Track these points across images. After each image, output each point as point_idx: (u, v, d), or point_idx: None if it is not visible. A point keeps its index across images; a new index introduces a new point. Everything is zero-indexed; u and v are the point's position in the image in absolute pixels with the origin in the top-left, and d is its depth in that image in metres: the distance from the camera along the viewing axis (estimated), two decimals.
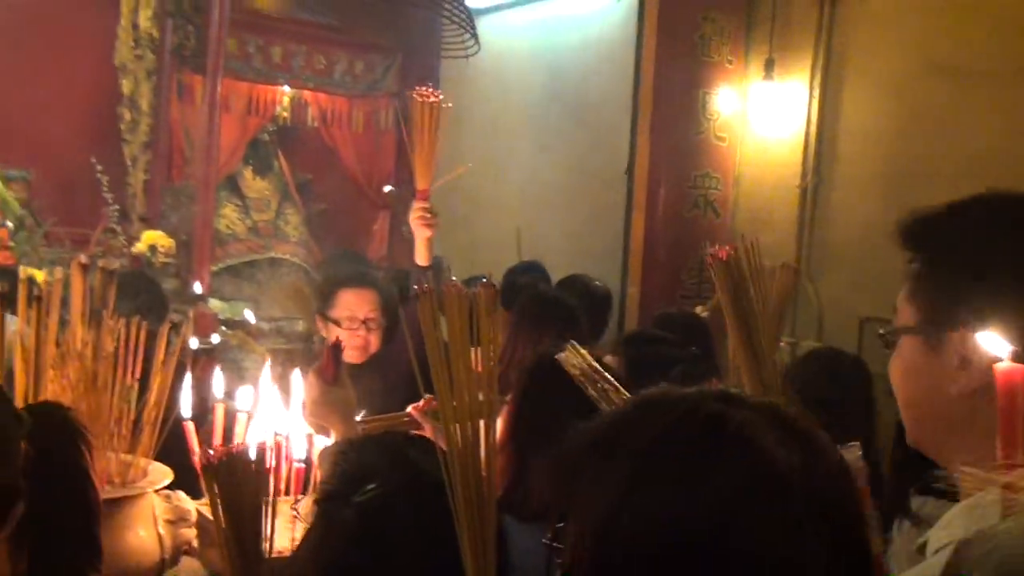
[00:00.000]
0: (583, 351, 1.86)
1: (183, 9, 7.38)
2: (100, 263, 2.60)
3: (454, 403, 1.22)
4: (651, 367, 2.95)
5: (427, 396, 3.04)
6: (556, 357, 1.89)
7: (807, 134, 5.81)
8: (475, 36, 5.38)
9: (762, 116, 6.09)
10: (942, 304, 1.23)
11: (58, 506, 1.47)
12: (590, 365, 1.81)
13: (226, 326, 6.24)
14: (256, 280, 8.25)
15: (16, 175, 6.81)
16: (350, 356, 3.54)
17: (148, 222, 7.11)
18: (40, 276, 2.55)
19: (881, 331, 1.35)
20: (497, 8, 7.96)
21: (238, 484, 1.56)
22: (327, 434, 2.74)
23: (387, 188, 5.63)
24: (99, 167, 6.73)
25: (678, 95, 5.88)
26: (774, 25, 6.00)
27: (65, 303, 2.49)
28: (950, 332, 1.21)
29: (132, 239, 6.72)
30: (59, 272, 2.55)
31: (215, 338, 5.77)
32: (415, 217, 3.78)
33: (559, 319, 3.92)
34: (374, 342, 3.79)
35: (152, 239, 6.45)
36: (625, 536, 0.88)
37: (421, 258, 3.79)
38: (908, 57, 5.41)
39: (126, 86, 7.47)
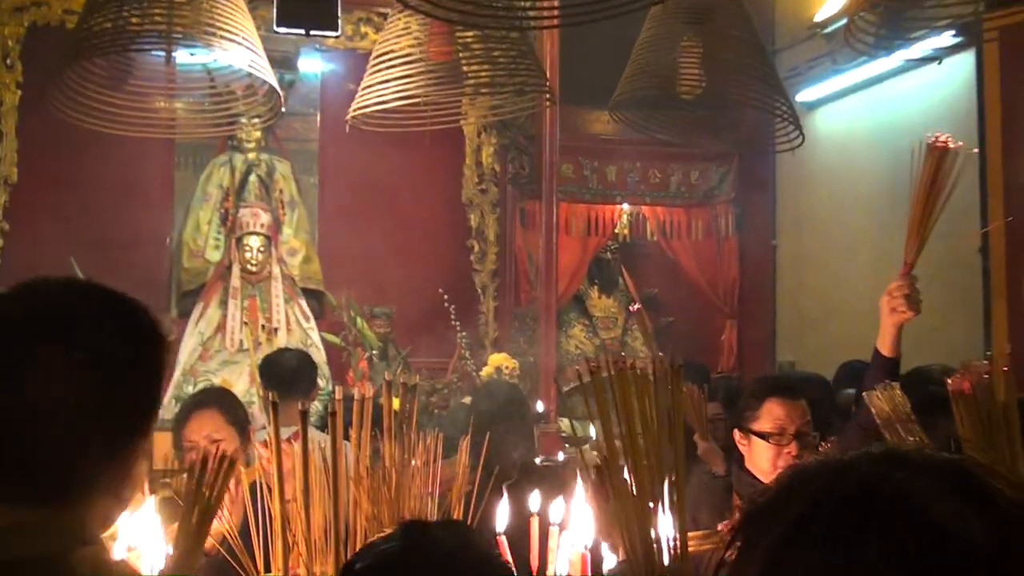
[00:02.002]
0: (898, 393, 1.69)
1: (518, 142, 7.80)
2: (402, 378, 2.66)
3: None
4: None
5: None
6: (864, 393, 1.74)
7: None
8: (799, 128, 5.19)
9: None
10: None
11: None
12: (897, 411, 1.63)
13: (571, 444, 6.29)
14: (608, 399, 8.30)
15: (380, 312, 7.39)
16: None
17: (498, 346, 7.41)
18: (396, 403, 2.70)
19: None
20: (829, 99, 7.72)
21: None
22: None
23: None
24: (446, 296, 7.13)
25: None
26: None
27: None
28: None
29: (482, 364, 7.01)
30: (368, 388, 2.65)
31: (560, 456, 5.83)
32: (883, 301, 3.17)
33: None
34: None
35: (497, 361, 6.69)
36: None
37: (884, 345, 3.16)
38: None
39: (473, 220, 7.99)
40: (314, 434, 2.96)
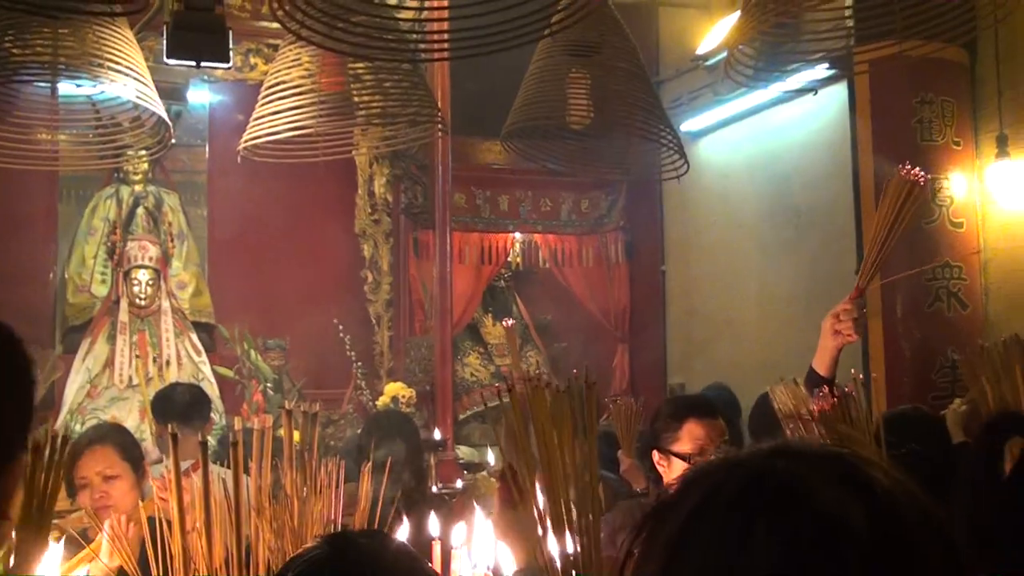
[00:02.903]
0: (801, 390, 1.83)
1: (411, 172, 7.83)
2: (302, 408, 2.67)
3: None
4: None
5: None
6: (770, 388, 1.90)
7: None
8: (684, 156, 5.35)
9: (1003, 196, 5.67)
10: None
11: None
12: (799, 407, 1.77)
13: (468, 471, 6.32)
14: (504, 424, 8.35)
15: (274, 344, 7.32)
16: None
17: (394, 376, 7.41)
18: (296, 436, 2.70)
19: None
20: (712, 129, 7.94)
21: None
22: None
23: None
24: (340, 327, 7.11)
25: None
26: (1002, 100, 5.64)
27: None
28: None
29: (378, 394, 7.00)
30: (267, 420, 2.65)
31: (459, 483, 5.85)
32: (827, 323, 3.15)
33: None
34: None
35: (393, 390, 6.70)
36: None
37: (822, 365, 3.15)
38: None
39: (367, 250, 7.98)
40: (211, 467, 2.93)
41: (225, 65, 4.26)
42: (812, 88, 5.93)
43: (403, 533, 2.67)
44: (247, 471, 2.49)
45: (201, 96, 7.65)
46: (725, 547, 0.78)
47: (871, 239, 3.14)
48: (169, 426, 2.33)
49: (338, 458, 2.63)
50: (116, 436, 3.51)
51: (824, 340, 3.14)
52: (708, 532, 0.79)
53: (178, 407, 4.34)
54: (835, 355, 3.13)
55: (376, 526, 2.60)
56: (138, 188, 7.28)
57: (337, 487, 2.58)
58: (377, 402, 6.85)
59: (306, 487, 2.53)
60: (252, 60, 7.71)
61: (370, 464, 2.74)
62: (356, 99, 5.05)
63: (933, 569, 0.78)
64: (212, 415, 5.54)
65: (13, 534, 1.84)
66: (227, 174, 7.07)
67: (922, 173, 3.09)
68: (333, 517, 2.53)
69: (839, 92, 6.23)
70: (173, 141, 5.09)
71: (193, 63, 4.08)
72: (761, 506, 0.79)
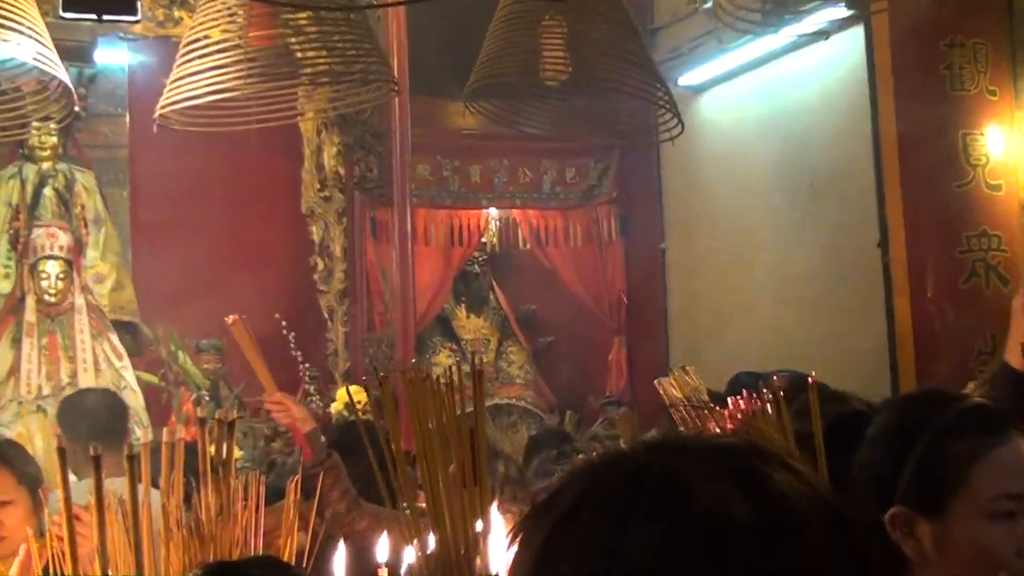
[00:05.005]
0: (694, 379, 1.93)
1: (364, 141, 7.80)
2: (218, 414, 2.67)
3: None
4: None
5: None
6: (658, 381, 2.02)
7: None
8: (677, 115, 5.35)
9: None
10: None
11: None
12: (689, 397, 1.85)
13: None
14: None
15: (208, 345, 7.30)
16: None
17: (351, 378, 7.40)
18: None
19: None
20: (716, 81, 7.93)
21: None
22: None
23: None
24: (284, 323, 7.09)
25: (930, 142, 5.57)
26: None
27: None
28: None
29: (331, 400, 7.00)
30: (179, 431, 2.66)
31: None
32: (1017, 303, 2.88)
33: None
34: None
35: (346, 396, 6.69)
36: None
37: (1013, 356, 2.82)
38: None
39: (316, 232, 7.97)
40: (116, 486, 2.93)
41: (132, 18, 4.28)
42: (825, 32, 5.95)
43: (340, 557, 2.67)
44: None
45: (118, 57, 7.62)
46: (595, 552, 0.80)
47: None
48: (91, 448, 2.24)
49: (258, 474, 2.63)
50: (10, 455, 3.51)
51: (1017, 325, 2.87)
52: (581, 531, 0.82)
53: (89, 419, 4.31)
54: (1014, 339, 2.82)
55: (307, 550, 2.61)
56: (46, 166, 7.23)
57: (257, 508, 2.58)
58: (330, 409, 6.85)
59: (223, 506, 2.53)
60: (177, 13, 7.66)
61: (298, 478, 2.74)
62: (299, 55, 5.04)
63: (825, 561, 0.82)
64: (135, 429, 5.55)
65: None
66: (152, 148, 7.03)
67: None
68: (252, 540, 2.53)
69: (856, 37, 6.23)
70: (78, 108, 5.08)
71: (94, 16, 4.08)
72: (635, 506, 0.82)
